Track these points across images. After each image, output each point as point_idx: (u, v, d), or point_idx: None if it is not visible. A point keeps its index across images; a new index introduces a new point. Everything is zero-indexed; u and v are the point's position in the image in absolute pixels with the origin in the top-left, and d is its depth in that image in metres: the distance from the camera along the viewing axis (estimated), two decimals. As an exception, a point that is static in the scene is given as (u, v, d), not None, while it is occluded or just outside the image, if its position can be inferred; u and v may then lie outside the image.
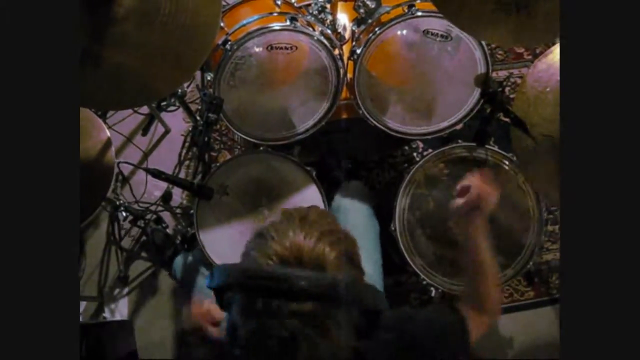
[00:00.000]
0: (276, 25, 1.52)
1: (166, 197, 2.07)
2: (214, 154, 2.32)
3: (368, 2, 1.66)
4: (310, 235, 0.79)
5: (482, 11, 1.25)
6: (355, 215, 1.67)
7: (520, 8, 1.24)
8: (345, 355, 0.80)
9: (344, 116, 1.82)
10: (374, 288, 0.82)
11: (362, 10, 1.68)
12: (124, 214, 2.05)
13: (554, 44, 1.58)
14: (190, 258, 1.66)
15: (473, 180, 1.23)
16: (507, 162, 1.66)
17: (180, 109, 2.21)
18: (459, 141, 1.66)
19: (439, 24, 1.54)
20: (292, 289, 0.73)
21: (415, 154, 2.23)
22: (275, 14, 1.60)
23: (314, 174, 1.68)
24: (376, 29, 1.54)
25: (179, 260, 1.67)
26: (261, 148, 1.70)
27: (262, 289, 0.74)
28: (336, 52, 1.60)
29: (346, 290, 0.74)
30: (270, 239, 0.80)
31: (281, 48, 1.56)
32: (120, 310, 2.12)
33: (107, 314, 2.11)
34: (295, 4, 1.78)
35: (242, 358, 0.80)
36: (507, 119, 1.45)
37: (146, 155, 2.30)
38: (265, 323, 0.74)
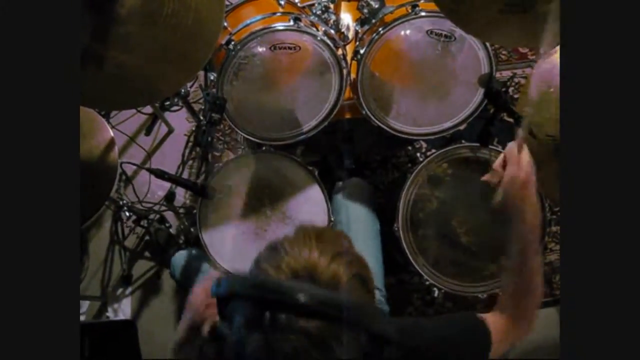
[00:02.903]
0: (280, 25, 1.52)
1: (169, 197, 2.07)
2: (217, 153, 2.32)
3: (372, 2, 1.66)
4: (326, 253, 0.76)
5: (489, 14, 1.25)
6: (355, 212, 1.67)
7: (527, 8, 1.24)
8: None
9: (347, 116, 1.82)
10: (384, 313, 0.78)
11: (365, 10, 1.68)
12: (127, 213, 2.06)
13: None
14: (191, 254, 1.64)
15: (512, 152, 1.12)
16: (510, 163, 1.65)
17: (184, 109, 2.21)
18: (463, 141, 1.66)
19: (442, 24, 1.54)
20: (301, 304, 0.70)
21: (418, 154, 2.22)
22: (279, 14, 1.60)
23: (316, 173, 1.68)
24: (380, 29, 1.54)
25: (177, 259, 1.66)
26: (264, 148, 1.70)
27: (271, 301, 0.71)
28: (339, 52, 1.59)
29: (356, 313, 0.72)
30: (284, 253, 0.77)
31: (284, 48, 1.56)
32: (123, 309, 2.13)
33: (110, 314, 2.12)
34: (298, 4, 1.78)
35: None
36: (510, 119, 1.45)
37: (149, 155, 2.30)
38: (270, 337, 0.71)
